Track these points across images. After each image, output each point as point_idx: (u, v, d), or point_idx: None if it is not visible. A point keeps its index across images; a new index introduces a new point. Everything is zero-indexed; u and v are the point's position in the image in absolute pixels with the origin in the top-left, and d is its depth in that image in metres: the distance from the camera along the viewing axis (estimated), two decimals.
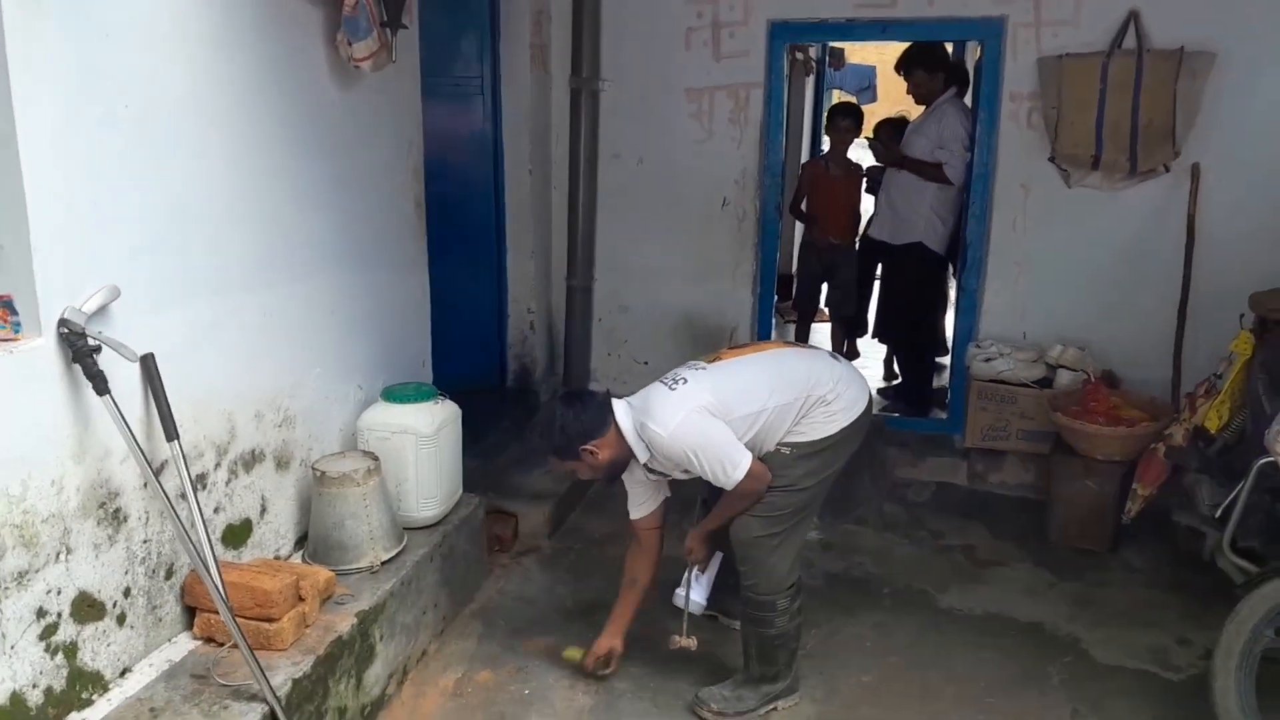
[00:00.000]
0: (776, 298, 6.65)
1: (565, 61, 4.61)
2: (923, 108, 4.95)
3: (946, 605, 3.42)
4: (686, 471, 2.70)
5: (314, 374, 3.04)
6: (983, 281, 4.46)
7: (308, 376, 3.01)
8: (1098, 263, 4.23)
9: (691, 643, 2.94)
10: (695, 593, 3.01)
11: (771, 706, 2.83)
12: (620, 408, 2.70)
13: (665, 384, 2.70)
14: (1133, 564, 3.71)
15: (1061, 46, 4.06)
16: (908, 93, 4.97)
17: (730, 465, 2.57)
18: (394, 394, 3.17)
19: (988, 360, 4.26)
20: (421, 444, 3.08)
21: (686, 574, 3.00)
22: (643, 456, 2.68)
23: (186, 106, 2.42)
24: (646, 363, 4.97)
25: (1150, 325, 4.14)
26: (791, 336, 6.04)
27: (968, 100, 5.01)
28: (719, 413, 2.60)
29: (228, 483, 2.69)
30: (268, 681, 2.28)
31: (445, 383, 4.09)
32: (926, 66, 4.81)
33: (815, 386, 2.71)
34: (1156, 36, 3.93)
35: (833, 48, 8.86)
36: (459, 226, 4.59)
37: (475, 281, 4.72)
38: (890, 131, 5.31)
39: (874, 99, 10.55)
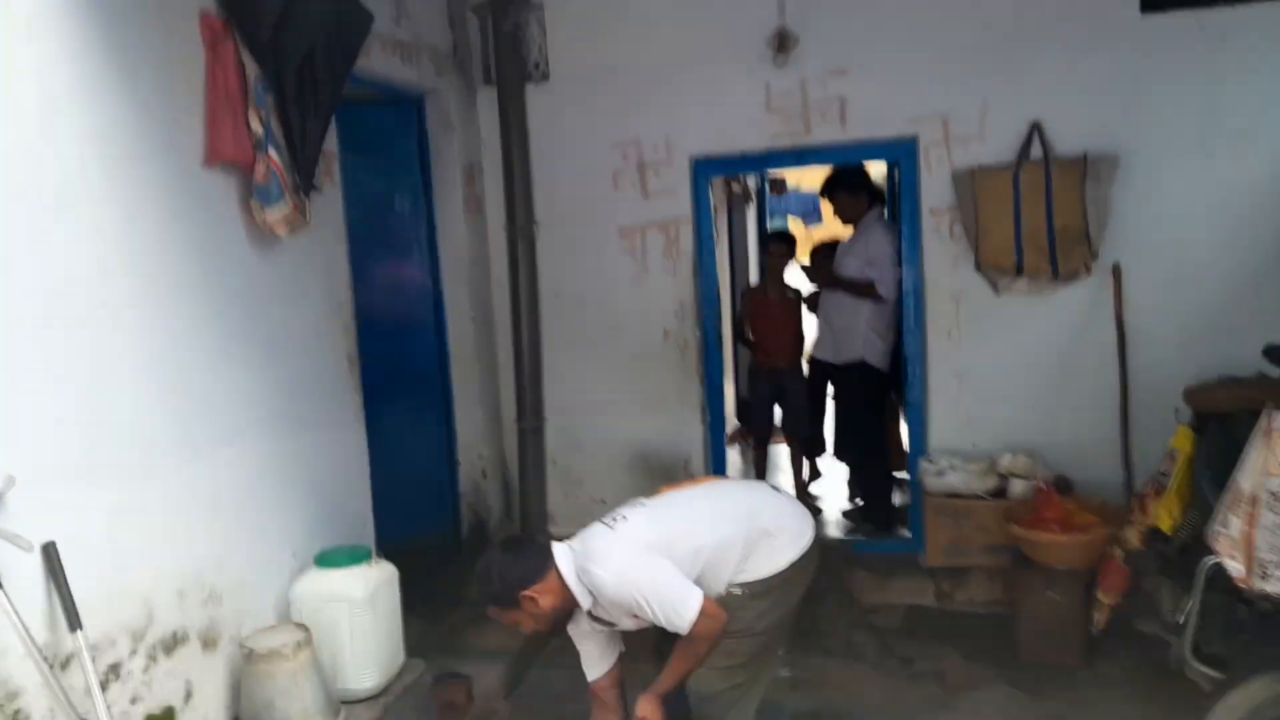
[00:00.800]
0: (738, 422, 6.67)
1: (500, 208, 4.72)
2: (850, 228, 5.07)
3: None
4: (636, 618, 2.56)
5: (243, 546, 2.94)
6: (926, 394, 4.46)
7: (235, 549, 2.92)
8: (1036, 367, 4.26)
9: None
10: None
11: None
12: (560, 551, 2.59)
13: (605, 523, 2.61)
14: (1107, 676, 3.58)
15: (973, 160, 4.19)
16: (834, 214, 5.09)
17: (681, 605, 2.42)
18: (326, 559, 3.07)
19: (940, 474, 4.22)
20: (355, 611, 2.98)
21: None
22: (585, 603, 2.54)
23: (92, 284, 2.42)
24: (604, 500, 4.84)
25: (1095, 426, 4.13)
26: (751, 460, 5.99)
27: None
28: (661, 549, 2.51)
29: (146, 670, 2.56)
30: None
31: (395, 539, 4.02)
32: (848, 188, 4.94)
33: (757, 517, 2.64)
34: (1060, 144, 4.06)
35: (773, 176, 9.15)
36: (404, 378, 4.59)
37: (423, 432, 4.68)
38: (825, 254, 5.42)
39: (820, 221, 10.86)
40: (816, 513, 5.46)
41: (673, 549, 2.52)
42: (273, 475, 3.09)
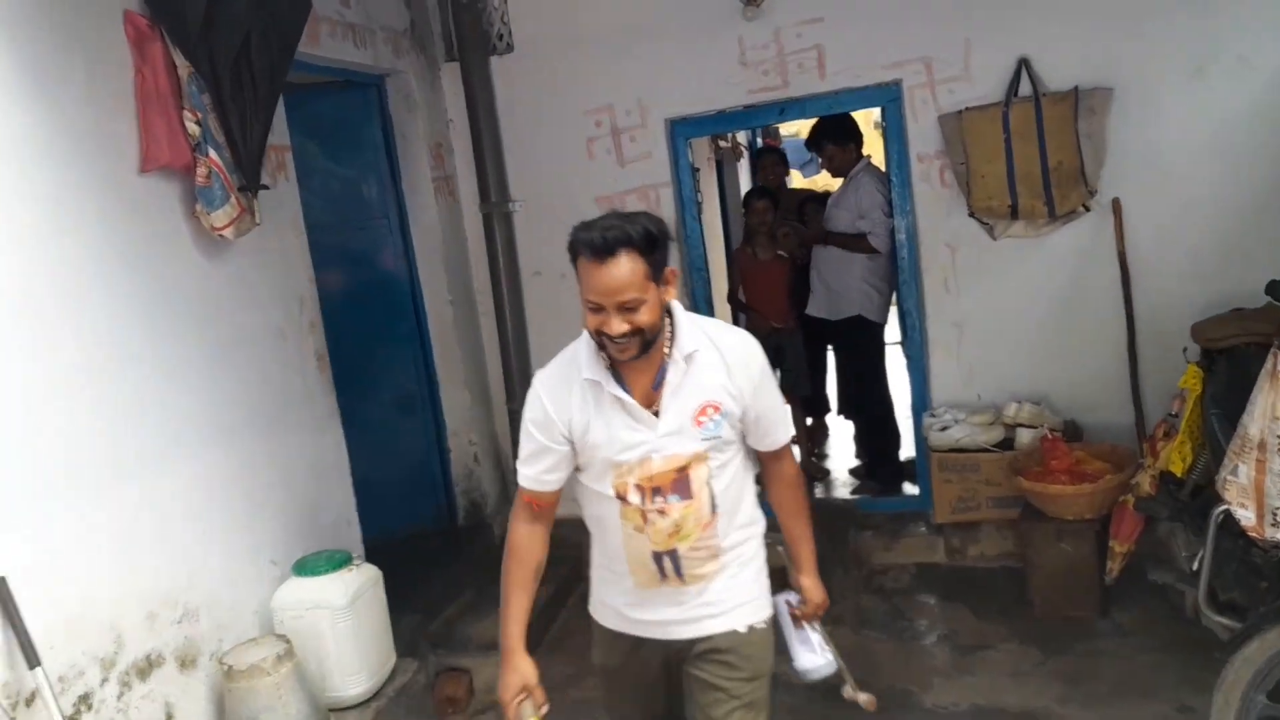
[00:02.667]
0: None
1: (472, 188, 4.56)
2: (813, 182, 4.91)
3: (931, 704, 3.17)
4: (703, 417, 1.96)
5: (215, 559, 2.85)
6: (926, 347, 4.31)
7: (209, 562, 2.83)
8: (1037, 312, 4.09)
9: (870, 700, 2.32)
10: (821, 651, 2.24)
11: None
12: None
13: None
14: (1123, 627, 3.47)
15: (959, 102, 3.99)
16: (821, 167, 4.91)
17: (785, 415, 2.12)
18: (304, 567, 2.98)
19: (944, 429, 4.08)
20: (338, 618, 2.89)
21: (798, 634, 2.25)
22: (690, 345, 1.95)
23: (15, 303, 2.30)
24: None
25: (1103, 369, 3.98)
26: None
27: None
28: None
29: (120, 697, 2.48)
30: None
31: (386, 533, 3.94)
32: (835, 139, 4.77)
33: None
34: (1050, 79, 3.86)
35: (767, 127, 8.90)
36: (385, 368, 4.50)
37: (409, 422, 4.59)
38: (816, 207, 5.24)
39: (818, 170, 10.58)
40: (824, 474, 5.35)
41: None
42: (244, 484, 2.99)
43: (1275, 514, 2.18)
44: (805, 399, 5.57)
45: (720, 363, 1.97)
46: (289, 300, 3.31)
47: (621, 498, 1.97)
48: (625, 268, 1.84)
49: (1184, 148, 3.79)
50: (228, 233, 2.83)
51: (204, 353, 2.87)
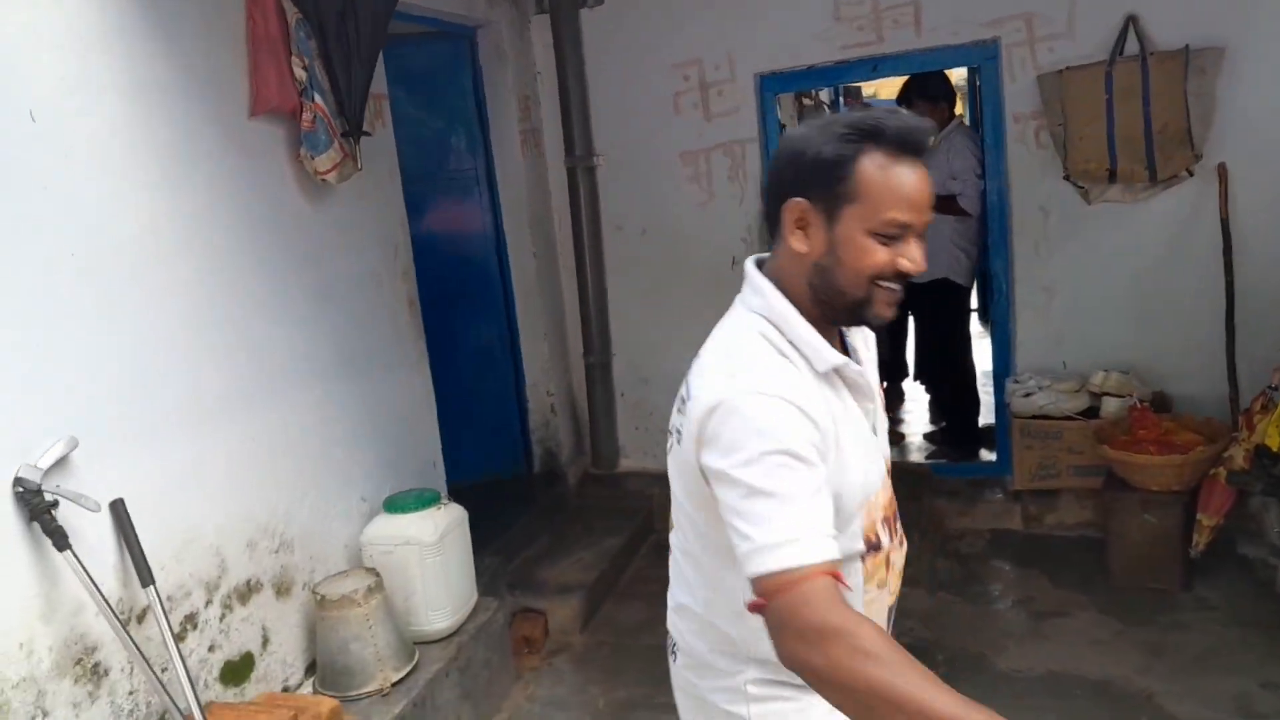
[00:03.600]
0: None
1: (558, 142, 4.59)
2: None
3: (1006, 667, 3.17)
4: None
5: (311, 494, 2.97)
6: (1012, 312, 4.24)
7: (304, 497, 2.94)
8: (1131, 279, 3.98)
9: None
10: None
11: None
12: None
13: None
14: (1207, 601, 3.41)
15: (1059, 61, 3.88)
16: None
17: None
18: (394, 504, 3.08)
19: (1027, 395, 4.03)
20: (425, 554, 2.98)
21: None
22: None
23: (143, 244, 2.40)
24: None
25: (1197, 339, 3.87)
26: None
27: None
28: None
29: (222, 618, 2.61)
30: None
31: (466, 478, 4.04)
32: (927, 97, 4.66)
33: None
34: (1159, 37, 3.73)
35: (848, 86, 8.75)
36: (468, 318, 4.57)
37: (490, 371, 4.67)
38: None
39: None
40: (900, 439, 5.32)
41: None
42: (337, 422, 3.09)
43: None
44: (884, 363, 5.53)
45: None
46: (384, 246, 3.39)
47: (872, 545, 1.42)
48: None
49: None
50: (331, 177, 2.90)
51: (305, 294, 2.96)
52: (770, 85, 4.41)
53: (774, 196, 1.38)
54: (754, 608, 1.19)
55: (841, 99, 8.59)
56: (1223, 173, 3.73)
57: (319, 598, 2.78)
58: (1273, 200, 3.70)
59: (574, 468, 4.81)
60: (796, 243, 1.35)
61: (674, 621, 1.56)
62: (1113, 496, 3.62)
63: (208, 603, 2.56)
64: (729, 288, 5.02)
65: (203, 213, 2.59)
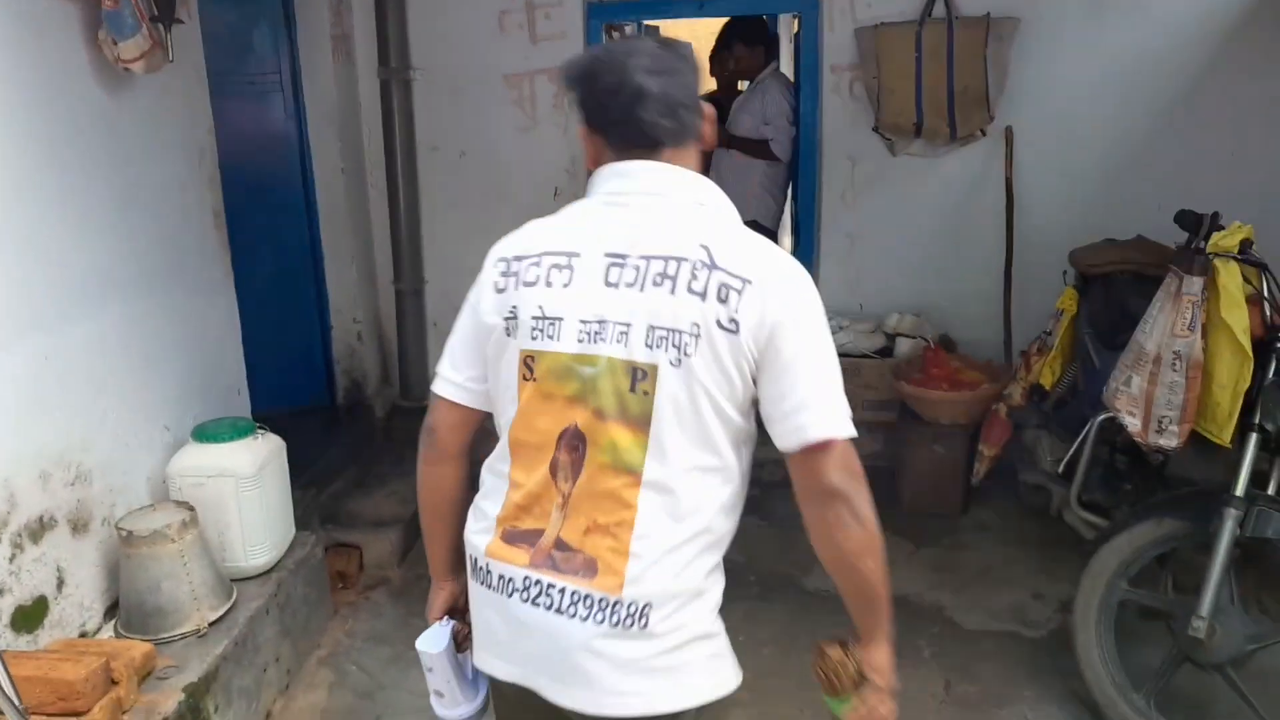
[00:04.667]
0: None
1: (371, 51, 4.33)
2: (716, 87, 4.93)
3: (814, 587, 3.40)
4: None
5: (110, 421, 2.68)
6: (817, 256, 4.46)
7: (103, 424, 2.65)
8: (926, 229, 4.29)
9: None
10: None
11: None
12: None
13: None
14: (985, 523, 3.80)
15: (876, 16, 4.07)
16: (721, 71, 4.90)
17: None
18: (206, 433, 2.84)
19: None
20: (243, 486, 2.78)
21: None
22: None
23: None
24: None
25: (981, 288, 4.24)
26: None
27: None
28: None
29: (11, 559, 2.32)
30: None
31: (267, 408, 3.78)
32: (746, 41, 4.75)
33: None
34: (964, 3, 3.99)
35: (647, 25, 8.76)
36: (267, 236, 4.24)
37: (292, 295, 4.37)
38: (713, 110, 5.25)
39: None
40: None
41: None
42: (137, 344, 2.79)
43: (1160, 422, 2.43)
44: None
45: None
46: (190, 150, 3.07)
47: None
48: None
49: (1077, 83, 4.02)
50: (136, 67, 2.57)
51: (105, 201, 2.63)
52: (598, 13, 4.35)
53: (695, 104, 1.48)
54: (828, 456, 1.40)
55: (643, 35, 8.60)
56: (1009, 136, 4.08)
57: (125, 534, 2.53)
58: (1051, 163, 4.09)
59: (381, 399, 4.62)
60: (707, 145, 1.51)
61: (666, 562, 1.39)
62: (905, 428, 3.94)
63: None
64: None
65: None
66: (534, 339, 1.41)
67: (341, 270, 4.45)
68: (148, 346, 2.85)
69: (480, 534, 1.49)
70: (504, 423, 1.48)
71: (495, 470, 1.50)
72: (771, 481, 4.11)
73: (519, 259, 1.46)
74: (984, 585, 3.35)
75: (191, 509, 2.65)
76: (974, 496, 3.88)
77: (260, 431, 2.95)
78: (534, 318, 1.41)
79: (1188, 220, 2.51)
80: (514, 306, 1.43)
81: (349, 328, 4.52)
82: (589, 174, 1.51)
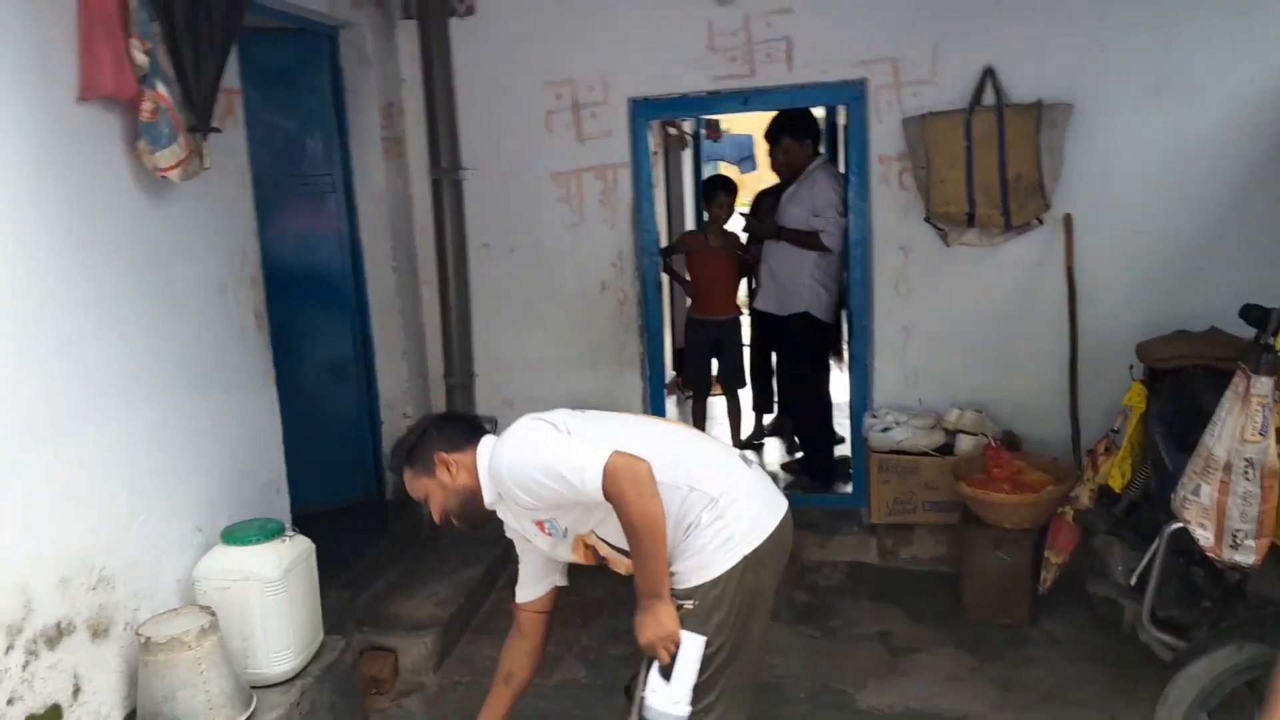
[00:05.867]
0: (674, 373, 6.50)
1: (422, 151, 4.41)
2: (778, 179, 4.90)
3: (866, 705, 3.17)
4: (542, 529, 2.25)
5: (138, 522, 2.66)
6: (871, 348, 4.33)
7: (130, 526, 2.63)
8: (984, 321, 4.14)
9: None
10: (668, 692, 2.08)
11: None
12: (486, 439, 2.28)
13: (531, 415, 2.26)
14: (1055, 636, 3.53)
15: (923, 106, 4.00)
16: (775, 164, 4.89)
17: (579, 467, 2.02)
18: (234, 535, 2.80)
19: (885, 430, 4.10)
20: (268, 590, 2.72)
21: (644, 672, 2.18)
22: (489, 496, 2.22)
23: None
24: None
25: (1044, 382, 4.05)
26: (688, 411, 5.82)
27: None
28: None
29: (25, 666, 2.28)
30: None
31: (313, 506, 3.77)
32: (794, 134, 4.74)
33: (698, 476, 2.15)
34: (1014, 90, 3.90)
35: (708, 119, 8.88)
36: (318, 333, 4.31)
37: (342, 390, 4.40)
38: (772, 202, 5.22)
39: (754, 168, 10.62)
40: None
41: None
42: (171, 444, 2.80)
43: (1235, 536, 2.22)
44: (738, 389, 5.58)
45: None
46: (231, 253, 3.12)
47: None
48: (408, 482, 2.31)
49: (1137, 168, 3.88)
50: (173, 175, 2.63)
51: (139, 302, 2.66)
52: (643, 111, 4.37)
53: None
54: None
55: (703, 130, 8.71)
56: (1069, 224, 3.93)
57: (143, 640, 2.48)
58: (1114, 252, 3.93)
59: None
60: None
61: None
62: (968, 532, 3.72)
63: (9, 648, 2.23)
64: (597, 313, 4.97)
65: (22, 206, 2.29)
66: None
67: (393, 364, 4.47)
68: (182, 446, 2.85)
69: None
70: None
71: None
72: (826, 587, 3.98)
73: None
74: (1051, 705, 3.08)
75: (212, 614, 2.60)
76: (1043, 607, 3.62)
77: (290, 533, 2.91)
78: None
79: (1253, 315, 2.33)
80: None
81: (400, 422, 4.49)
82: None
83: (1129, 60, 3.84)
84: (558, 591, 2.50)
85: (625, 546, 2.13)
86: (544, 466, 2.07)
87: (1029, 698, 3.14)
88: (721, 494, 2.15)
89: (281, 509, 3.35)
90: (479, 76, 4.38)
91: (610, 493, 2.00)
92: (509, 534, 2.41)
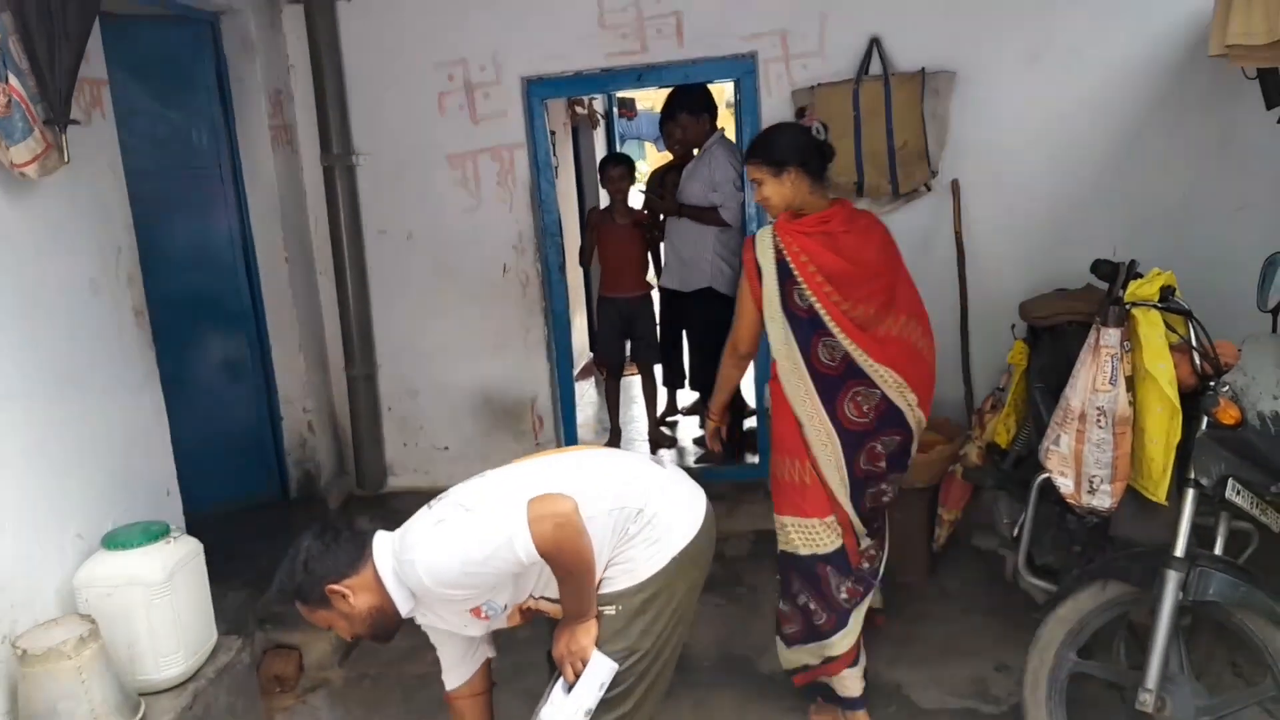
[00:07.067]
0: (590, 354, 6.50)
1: (313, 139, 4.34)
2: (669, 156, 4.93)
3: (769, 670, 3.23)
4: (478, 614, 2.11)
5: (10, 531, 2.58)
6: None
7: (1, 536, 2.56)
8: None
9: None
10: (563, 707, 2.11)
11: None
12: (381, 542, 2.11)
13: (428, 506, 2.16)
14: (949, 590, 3.64)
15: (812, 78, 4.04)
16: (671, 140, 4.90)
17: (507, 538, 1.94)
18: (115, 540, 2.74)
19: None
20: (152, 594, 2.67)
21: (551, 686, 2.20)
22: (405, 608, 2.09)
23: None
24: (447, 448, 4.66)
25: (937, 343, 4.11)
26: (604, 392, 5.83)
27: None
28: None
29: None
30: None
31: (213, 507, 3.71)
32: (689, 109, 4.76)
33: (629, 494, 2.15)
34: (900, 59, 3.96)
35: (622, 97, 8.85)
36: (210, 329, 4.21)
37: (238, 387, 4.32)
38: (674, 177, 5.23)
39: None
40: (671, 443, 5.39)
41: None
42: (46, 450, 2.71)
43: (1092, 481, 2.30)
44: (653, 366, 5.60)
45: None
46: (104, 250, 3.02)
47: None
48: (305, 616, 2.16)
49: (1019, 134, 3.96)
50: (30, 170, 2.54)
51: (3, 304, 2.58)
52: (538, 90, 4.34)
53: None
54: None
55: (615, 109, 8.68)
56: (956, 190, 4.01)
57: (20, 652, 2.42)
58: (999, 215, 4.02)
59: (336, 490, 4.53)
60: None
61: None
62: None
63: None
64: (501, 297, 4.91)
65: None
66: None
67: (291, 359, 4.40)
68: (57, 451, 2.77)
69: None
70: None
71: None
72: (733, 556, 4.03)
73: None
74: (945, 658, 3.18)
75: (93, 622, 2.54)
76: (939, 562, 3.72)
77: (176, 534, 2.86)
78: None
79: (1104, 270, 2.41)
80: None
81: (299, 418, 4.45)
82: None
83: (1010, 28, 3.91)
84: (488, 664, 2.39)
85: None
86: (467, 557, 1.98)
87: (922, 651, 3.23)
88: (646, 503, 2.15)
89: (173, 511, 3.28)
90: (368, 59, 4.31)
91: (544, 545, 1.95)
92: (420, 625, 2.25)
